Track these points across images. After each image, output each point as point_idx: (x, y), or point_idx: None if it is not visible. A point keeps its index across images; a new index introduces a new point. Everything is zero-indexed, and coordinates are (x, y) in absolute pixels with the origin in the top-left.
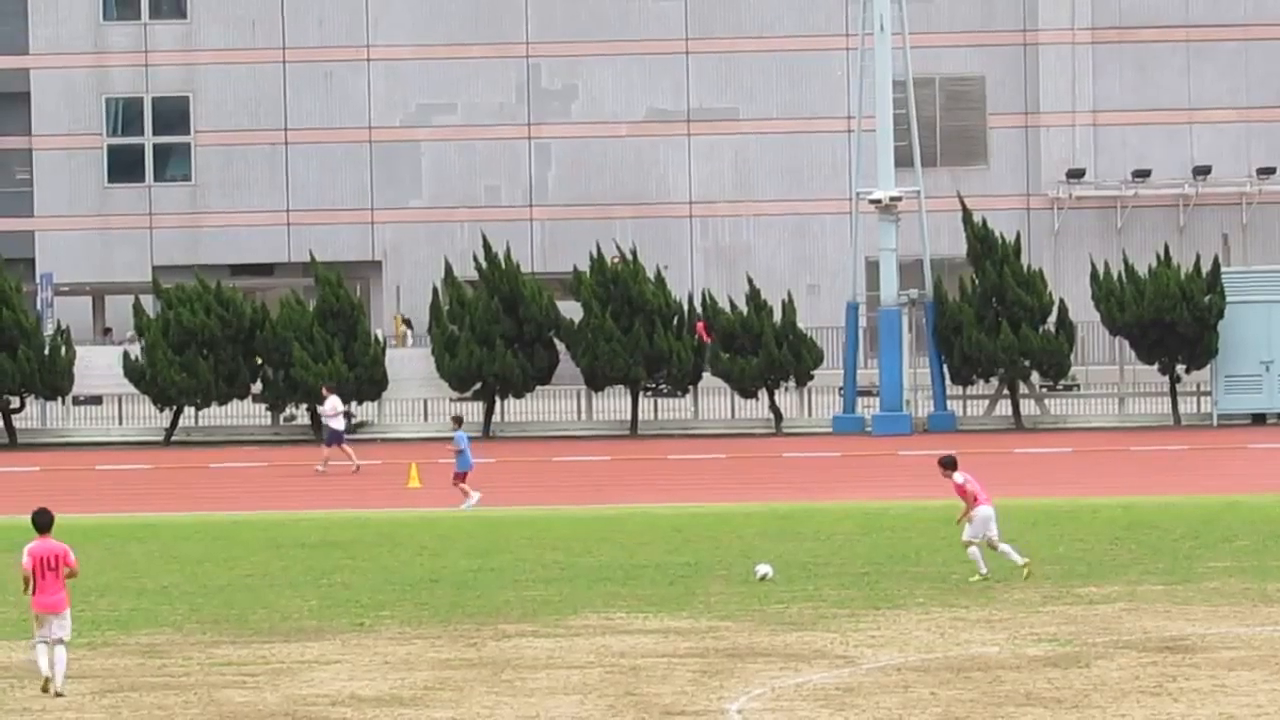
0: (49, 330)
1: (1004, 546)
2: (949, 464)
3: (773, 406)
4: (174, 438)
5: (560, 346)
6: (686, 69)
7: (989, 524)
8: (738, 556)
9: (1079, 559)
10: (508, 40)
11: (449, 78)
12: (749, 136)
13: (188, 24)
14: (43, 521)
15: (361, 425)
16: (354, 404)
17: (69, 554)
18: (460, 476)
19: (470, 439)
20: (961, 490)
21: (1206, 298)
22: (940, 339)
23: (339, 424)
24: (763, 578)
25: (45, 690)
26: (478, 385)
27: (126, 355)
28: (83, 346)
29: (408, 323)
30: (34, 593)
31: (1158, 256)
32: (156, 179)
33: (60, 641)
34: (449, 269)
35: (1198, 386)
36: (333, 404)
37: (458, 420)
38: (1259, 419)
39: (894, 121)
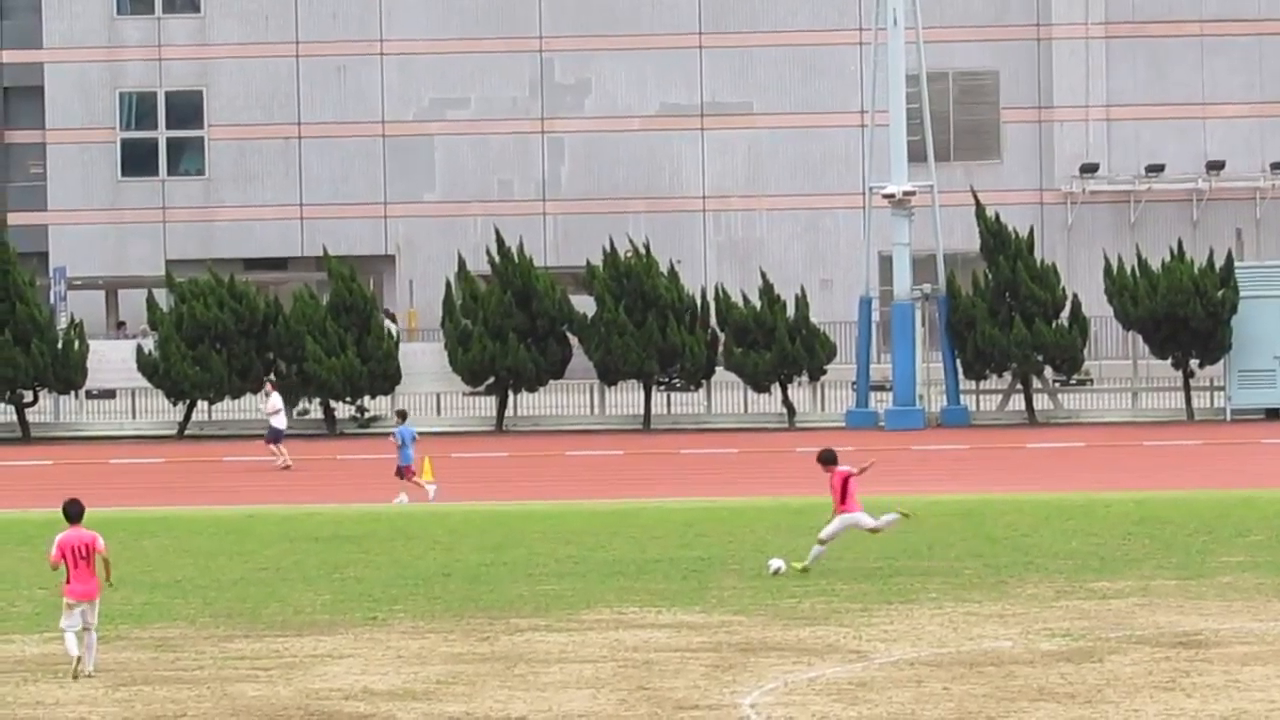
0: (62, 324)
1: (817, 550)
2: (829, 459)
3: (785, 401)
4: (187, 431)
5: (573, 340)
6: (700, 63)
7: (845, 530)
8: (750, 551)
9: (1092, 554)
10: (520, 34)
11: (462, 72)
12: (762, 131)
13: (201, 18)
14: (74, 511)
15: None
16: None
17: (98, 541)
18: (404, 471)
19: (415, 436)
20: (842, 484)
21: (1220, 293)
22: (953, 333)
23: (280, 421)
24: (775, 572)
25: (76, 676)
26: (490, 379)
27: (140, 349)
28: (96, 340)
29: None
30: (67, 581)
31: (1171, 251)
32: (170, 173)
33: (88, 628)
34: (462, 263)
35: (1211, 381)
36: (274, 401)
37: (401, 415)
38: (1273, 414)
39: (907, 116)
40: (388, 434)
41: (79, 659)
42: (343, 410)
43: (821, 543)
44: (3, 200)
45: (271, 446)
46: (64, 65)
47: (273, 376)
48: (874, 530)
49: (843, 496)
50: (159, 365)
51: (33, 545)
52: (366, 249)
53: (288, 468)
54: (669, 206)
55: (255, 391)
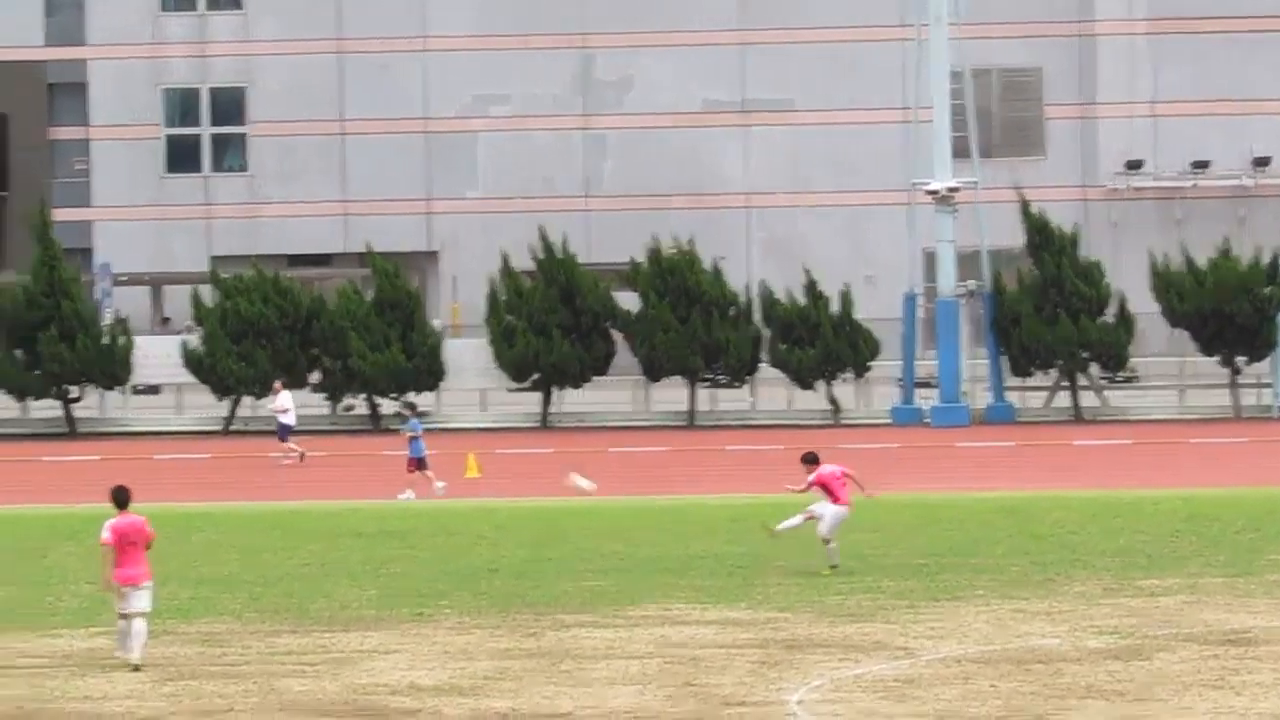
0: (107, 320)
1: (830, 547)
2: (811, 460)
3: (830, 398)
4: (232, 427)
5: (617, 337)
6: (741, 60)
7: (839, 523)
8: (796, 548)
9: (1139, 551)
10: (563, 31)
11: (504, 68)
12: (804, 127)
13: (244, 15)
14: (122, 497)
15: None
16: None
17: (146, 525)
18: (415, 464)
19: (423, 428)
20: (823, 485)
21: (1266, 289)
22: (998, 330)
23: (289, 419)
24: (576, 486)
25: (136, 666)
26: (535, 375)
27: (185, 345)
28: (141, 336)
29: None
30: (116, 566)
31: (1217, 248)
32: (213, 169)
33: (141, 614)
34: (505, 259)
35: (1258, 378)
36: (282, 400)
37: (410, 407)
38: None
39: (951, 112)
40: (434, 430)
41: (134, 644)
42: (387, 406)
43: (826, 541)
44: (48, 196)
45: (284, 444)
46: (108, 62)
47: (284, 377)
48: (781, 531)
49: (833, 490)
50: (204, 361)
51: (79, 540)
52: (410, 245)
53: (301, 458)
54: (711, 203)
55: (300, 387)
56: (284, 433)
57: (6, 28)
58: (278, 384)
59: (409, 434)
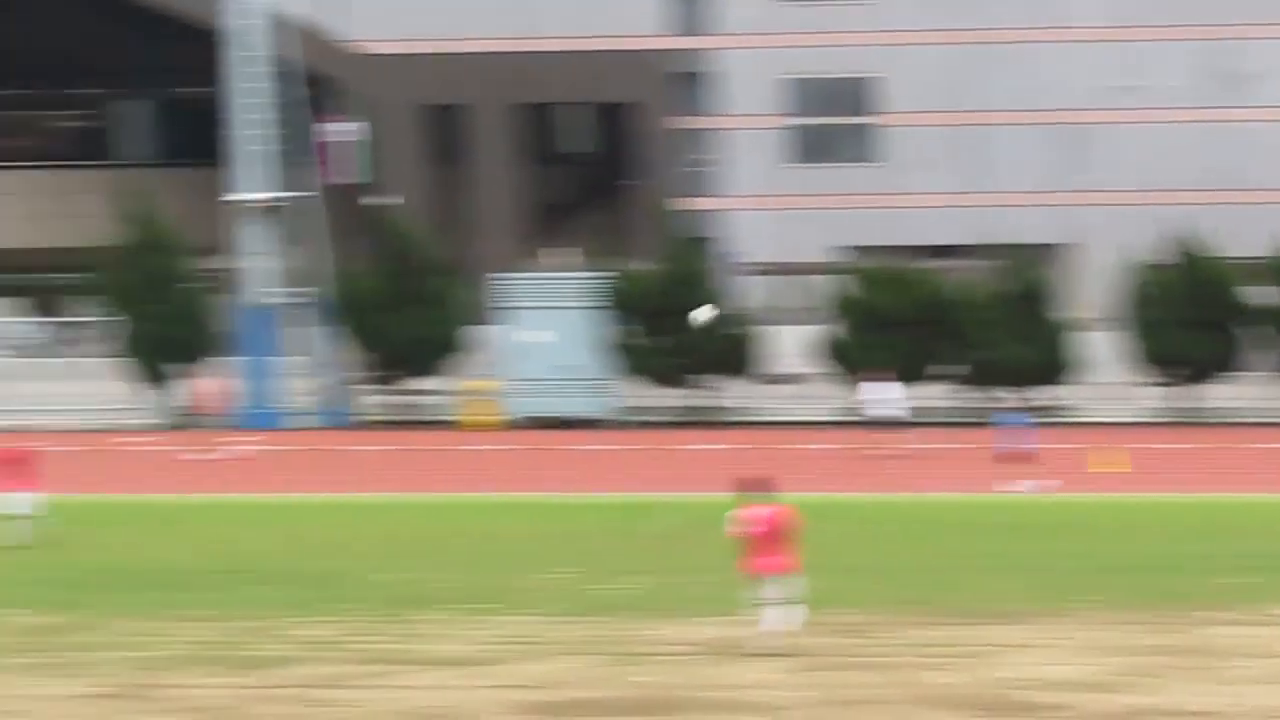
0: (737, 309)
1: None
2: None
3: None
4: (858, 417)
5: (1256, 332)
6: None
7: None
8: None
9: None
10: (1195, 21)
11: (1137, 58)
12: None
13: (873, 4)
14: (761, 488)
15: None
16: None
17: (788, 515)
18: (1014, 457)
19: (1032, 423)
20: None
21: None
22: None
23: (885, 410)
24: (699, 320)
25: (774, 655)
26: (1175, 369)
27: (818, 334)
28: (772, 326)
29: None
30: (755, 555)
31: None
32: (841, 159)
33: (780, 603)
34: (1143, 252)
35: None
36: (879, 390)
37: (1019, 406)
38: None
39: None
40: (1067, 423)
41: (774, 632)
42: (1016, 399)
43: None
44: (673, 186)
45: (875, 435)
46: (736, 51)
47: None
48: None
49: None
50: (837, 351)
51: (713, 529)
52: (1042, 237)
53: (897, 456)
54: None
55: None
56: (887, 425)
57: (623, 18)
58: (872, 375)
59: (1010, 428)
